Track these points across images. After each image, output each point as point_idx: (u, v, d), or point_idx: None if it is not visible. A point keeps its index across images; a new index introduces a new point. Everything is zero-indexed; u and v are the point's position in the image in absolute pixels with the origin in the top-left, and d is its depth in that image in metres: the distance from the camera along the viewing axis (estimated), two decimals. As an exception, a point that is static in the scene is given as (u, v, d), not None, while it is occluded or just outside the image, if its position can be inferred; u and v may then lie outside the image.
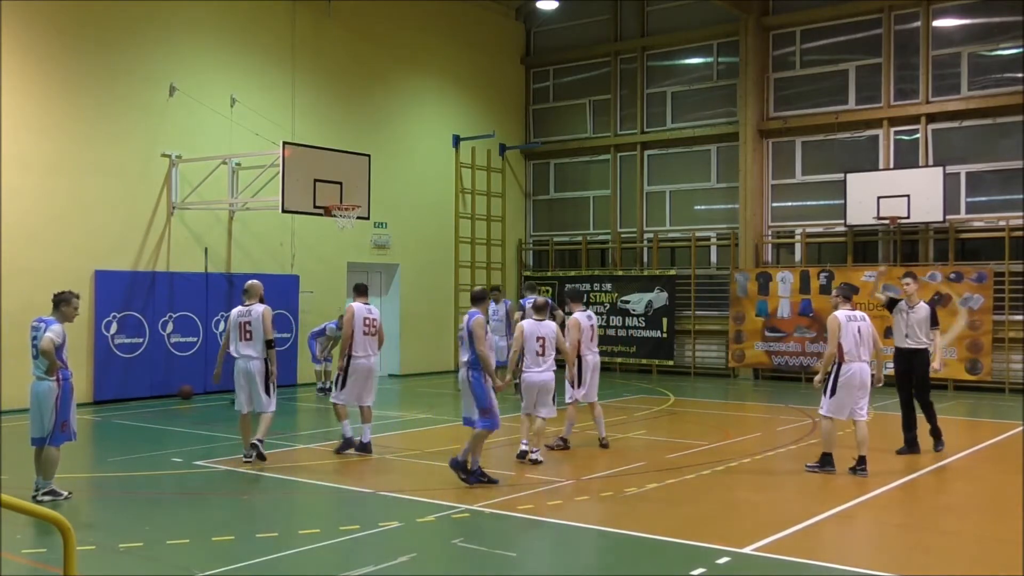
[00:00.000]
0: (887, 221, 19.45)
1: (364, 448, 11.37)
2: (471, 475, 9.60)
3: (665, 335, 22.47)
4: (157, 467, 10.75)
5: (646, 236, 23.61)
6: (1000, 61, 19.52)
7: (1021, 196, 18.94)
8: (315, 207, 16.12)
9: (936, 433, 11.61)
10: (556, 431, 11.98)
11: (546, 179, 25.43)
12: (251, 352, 10.79)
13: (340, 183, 16.43)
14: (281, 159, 15.73)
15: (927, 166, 19.66)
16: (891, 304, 11.84)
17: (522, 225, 25.47)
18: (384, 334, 11.82)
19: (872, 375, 10.42)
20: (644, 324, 22.73)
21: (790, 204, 21.88)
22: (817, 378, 10.60)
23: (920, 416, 11.69)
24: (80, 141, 16.17)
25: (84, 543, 6.86)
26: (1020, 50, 19.08)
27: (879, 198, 19.41)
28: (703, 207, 23.06)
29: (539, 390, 10.80)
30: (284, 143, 16.06)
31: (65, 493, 8.96)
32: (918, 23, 20.20)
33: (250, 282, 11.27)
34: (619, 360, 22.62)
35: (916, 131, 20.19)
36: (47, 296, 9.43)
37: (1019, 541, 7.61)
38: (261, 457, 10.71)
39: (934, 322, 11.58)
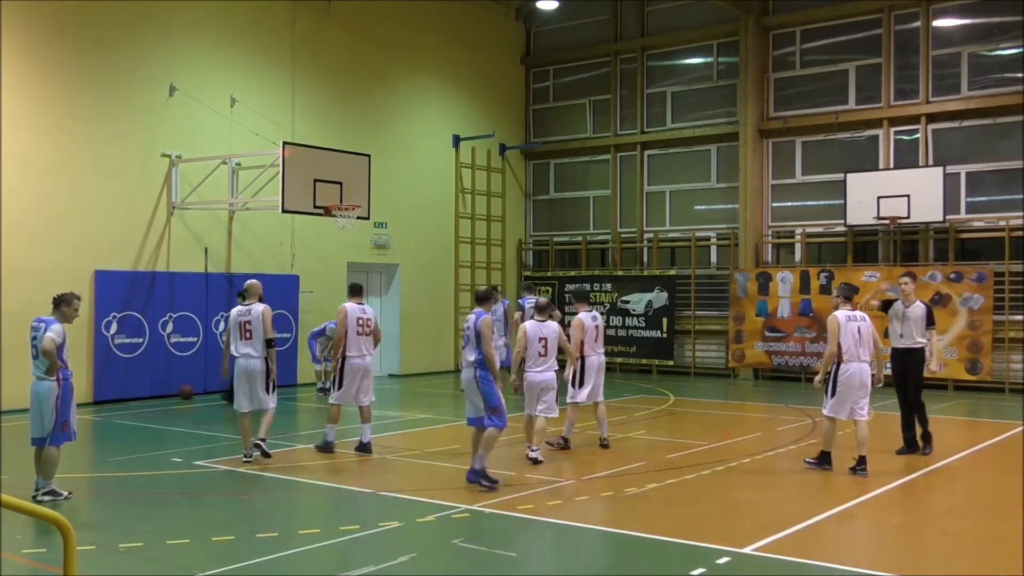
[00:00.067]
0: (887, 221, 19.45)
1: (364, 448, 11.38)
2: (473, 473, 9.60)
3: (665, 335, 22.47)
4: (157, 467, 10.75)
5: (646, 236, 23.61)
6: (1000, 61, 19.52)
7: (1021, 196, 18.94)
8: (315, 207, 16.12)
9: (926, 437, 11.54)
10: (556, 431, 11.98)
11: (546, 179, 25.43)
12: (251, 351, 10.81)
13: (340, 183, 16.43)
14: (281, 159, 15.73)
15: (927, 166, 19.66)
16: (886, 306, 11.85)
17: (522, 225, 25.47)
18: (380, 333, 11.81)
19: (872, 375, 10.43)
20: (644, 324, 22.73)
21: (790, 204, 21.88)
22: (817, 378, 10.62)
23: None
24: (80, 141, 16.17)
25: (84, 543, 6.86)
26: (1020, 50, 19.08)
27: (879, 198, 19.41)
28: (703, 207, 23.06)
29: (540, 390, 10.85)
30: (284, 143, 16.06)
31: (65, 493, 8.96)
32: (918, 23, 20.20)
33: (249, 282, 11.29)
34: (619, 360, 22.60)
35: (916, 131, 20.19)
36: (47, 296, 9.43)
37: (1019, 541, 7.61)
38: (266, 455, 10.76)
39: (930, 322, 11.56)
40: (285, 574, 6.96)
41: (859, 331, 10.32)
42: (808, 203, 21.63)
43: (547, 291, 23.83)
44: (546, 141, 25.00)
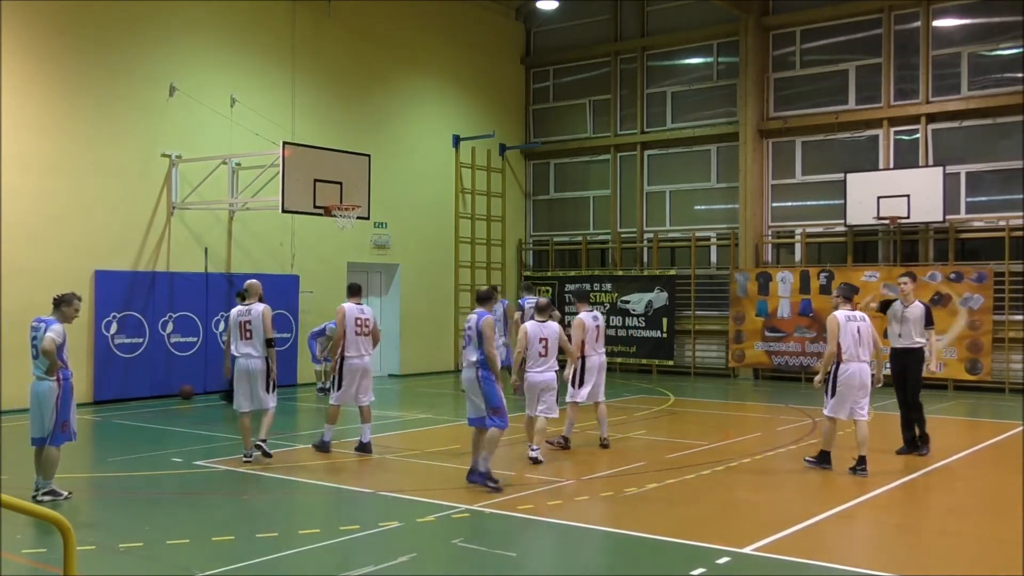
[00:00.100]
0: (887, 221, 19.45)
1: (364, 448, 11.38)
2: (473, 473, 9.61)
3: (665, 335, 22.47)
4: (157, 467, 10.75)
5: (646, 236, 23.61)
6: (1000, 61, 19.52)
7: (1021, 196, 18.94)
8: (315, 207, 16.12)
9: (923, 438, 11.52)
10: (556, 431, 11.98)
11: (546, 179, 25.44)
12: (252, 351, 10.82)
13: (340, 183, 16.43)
14: (281, 159, 15.73)
15: (927, 166, 19.66)
16: (884, 306, 11.86)
17: (522, 225, 25.47)
18: (379, 333, 11.81)
19: (872, 375, 10.43)
20: (644, 324, 22.74)
21: (790, 204, 21.88)
22: (817, 378, 10.63)
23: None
24: (80, 141, 16.17)
25: (84, 543, 6.86)
26: (1020, 50, 19.08)
27: (879, 198, 19.41)
28: (703, 207, 23.06)
29: (541, 390, 10.90)
30: (284, 143, 16.06)
31: (65, 493, 8.96)
32: (918, 23, 20.20)
33: (249, 282, 11.30)
34: (619, 360, 22.59)
35: (916, 131, 20.19)
36: (47, 296, 9.43)
37: (1019, 541, 7.61)
38: (267, 455, 10.79)
39: (929, 322, 11.56)
40: (285, 574, 6.95)
41: (859, 331, 10.32)
42: (808, 203, 21.63)
43: (547, 291, 23.83)
44: (546, 141, 25.00)
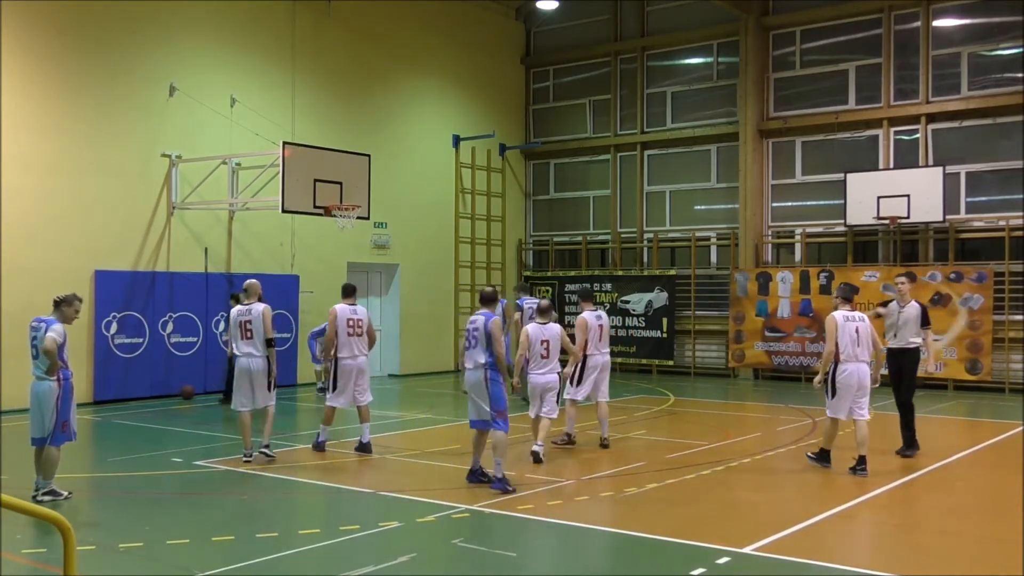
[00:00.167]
0: (887, 221, 19.45)
1: (364, 448, 11.39)
2: (473, 474, 9.60)
3: (665, 335, 22.47)
4: (157, 467, 10.75)
5: (646, 236, 23.61)
6: (1000, 61, 19.52)
7: (1021, 196, 18.94)
8: (315, 207, 16.12)
9: (910, 440, 11.44)
10: (558, 430, 12.01)
11: (546, 179, 25.44)
12: (252, 350, 10.84)
13: (340, 183, 16.43)
14: (281, 159, 15.73)
15: (927, 166, 19.66)
16: (882, 307, 11.87)
17: (522, 225, 25.47)
18: (375, 333, 11.81)
19: (870, 375, 10.44)
20: (644, 324, 22.74)
21: (790, 204, 21.88)
22: (817, 379, 10.65)
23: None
24: (80, 141, 16.17)
25: (84, 543, 6.86)
26: (1020, 50, 19.09)
27: (879, 198, 19.42)
28: (703, 207, 23.06)
29: (543, 391, 11.01)
30: (284, 143, 16.06)
31: (65, 493, 8.96)
32: (918, 23, 20.20)
33: (249, 281, 11.30)
34: (619, 360, 22.57)
35: (916, 131, 20.19)
36: (47, 296, 9.43)
37: (1019, 541, 7.61)
38: (270, 458, 10.85)
39: (925, 322, 11.58)
40: (285, 574, 6.96)
41: (857, 331, 10.33)
42: (808, 203, 21.63)
43: (547, 291, 23.84)
44: (546, 141, 25.00)
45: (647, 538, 7.73)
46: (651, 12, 23.86)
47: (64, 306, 9.07)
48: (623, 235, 23.88)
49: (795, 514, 8.59)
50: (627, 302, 22.92)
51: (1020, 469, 10.72)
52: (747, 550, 7.27)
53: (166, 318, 17.17)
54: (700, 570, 6.82)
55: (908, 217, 19.22)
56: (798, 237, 21.44)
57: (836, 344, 10.29)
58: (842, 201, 20.15)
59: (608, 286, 23.18)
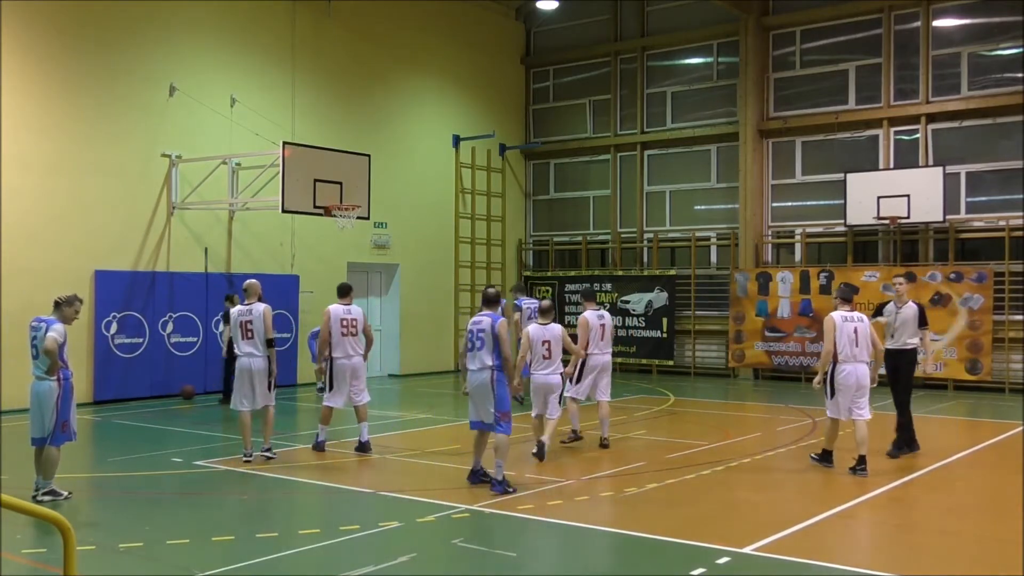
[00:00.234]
0: (887, 221, 19.45)
1: (363, 447, 11.39)
2: (474, 474, 9.59)
3: (665, 335, 22.47)
4: (157, 467, 10.75)
5: (646, 236, 23.61)
6: (1000, 61, 19.52)
7: (1021, 196, 18.94)
8: (315, 207, 16.12)
9: (898, 442, 11.40)
10: (564, 429, 12.07)
11: (546, 179, 25.44)
12: (253, 350, 10.84)
13: (340, 183, 16.43)
14: (281, 159, 15.73)
15: (927, 166, 19.66)
16: (878, 310, 11.87)
17: (522, 225, 25.47)
18: (371, 332, 11.81)
19: (869, 375, 10.44)
20: (644, 324, 22.73)
21: (790, 204, 21.88)
22: (816, 379, 10.65)
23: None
24: (80, 141, 16.17)
25: (84, 543, 6.86)
26: (1020, 50, 19.09)
27: (879, 198, 19.41)
28: (703, 207, 23.06)
29: (546, 391, 11.10)
30: (284, 143, 16.07)
31: (65, 493, 8.96)
32: (918, 23, 20.20)
33: (249, 281, 11.31)
34: (619, 360, 22.53)
35: (916, 131, 20.19)
36: (47, 296, 9.44)
37: (1019, 541, 7.61)
38: (272, 458, 10.92)
39: (922, 322, 11.57)
40: (285, 574, 6.95)
41: (856, 332, 10.33)
42: (808, 203, 21.63)
43: (547, 291, 23.84)
44: (546, 141, 25.00)
45: (647, 538, 7.73)
46: (651, 12, 23.86)
47: (65, 306, 9.07)
48: (623, 235, 23.88)
49: (795, 514, 8.58)
50: (627, 302, 22.92)
51: (1020, 469, 10.72)
52: (747, 550, 7.27)
53: (166, 318, 17.17)
54: (700, 570, 6.82)
55: (908, 217, 19.22)
56: (798, 237, 21.44)
57: (834, 344, 10.30)
58: (842, 201, 20.15)
59: (608, 286, 23.18)
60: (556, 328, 11.18)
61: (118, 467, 10.93)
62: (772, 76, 21.88)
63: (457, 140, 23.21)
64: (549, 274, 24.45)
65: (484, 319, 9.42)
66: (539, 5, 24.05)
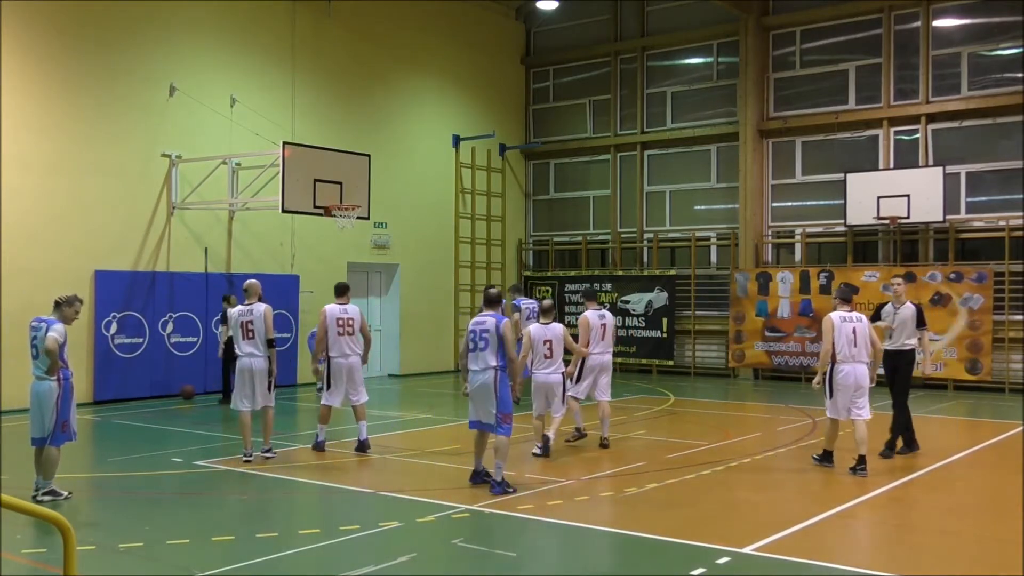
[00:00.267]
0: (887, 221, 19.45)
1: (362, 445, 11.39)
2: (477, 475, 9.58)
3: (665, 335, 22.47)
4: (157, 467, 10.75)
5: (646, 236, 23.61)
6: (1000, 61, 19.52)
7: (1021, 196, 18.94)
8: (315, 207, 16.12)
9: (891, 444, 11.38)
10: (567, 428, 12.08)
11: (546, 179, 25.44)
12: (254, 350, 10.84)
13: (340, 183, 16.43)
14: (281, 159, 15.73)
15: (927, 166, 19.66)
16: (876, 312, 11.88)
17: (522, 225, 25.47)
18: (368, 331, 11.81)
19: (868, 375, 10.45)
20: (644, 324, 22.73)
21: (790, 204, 21.88)
22: (815, 380, 10.67)
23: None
24: (80, 141, 16.17)
25: (84, 543, 6.86)
26: (1020, 50, 19.08)
27: (879, 198, 19.42)
28: (703, 207, 23.06)
29: (547, 391, 11.16)
30: (284, 143, 16.07)
31: (65, 493, 8.96)
32: (918, 23, 20.20)
33: (249, 281, 11.31)
34: (619, 360, 22.51)
35: (916, 131, 20.19)
36: (47, 296, 9.44)
37: (1019, 541, 7.61)
38: (272, 457, 10.96)
39: (920, 323, 11.57)
40: (285, 574, 6.95)
41: (854, 332, 10.33)
42: (808, 203, 21.63)
43: (547, 291, 23.84)
44: (546, 141, 25.00)
45: (647, 538, 7.73)
46: (651, 12, 23.86)
47: (65, 306, 9.07)
48: (623, 235, 23.88)
49: (795, 514, 8.58)
50: (627, 302, 22.92)
51: (1020, 469, 10.72)
52: (747, 550, 7.27)
53: (166, 318, 17.17)
54: (700, 570, 6.82)
55: (908, 217, 19.22)
56: (798, 237, 21.44)
57: (833, 345, 10.30)
58: (842, 201, 20.15)
59: (608, 286, 23.18)
60: (558, 327, 11.21)
61: (118, 467, 10.93)
62: (772, 76, 21.88)
63: (457, 140, 23.21)
64: (549, 274, 24.45)
65: (488, 319, 9.35)
66: (539, 5, 24.05)
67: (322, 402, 11.59)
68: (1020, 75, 19.08)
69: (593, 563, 7.46)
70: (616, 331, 13.13)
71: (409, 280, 22.10)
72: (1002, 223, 19.07)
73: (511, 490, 9.20)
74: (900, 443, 11.53)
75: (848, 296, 10.80)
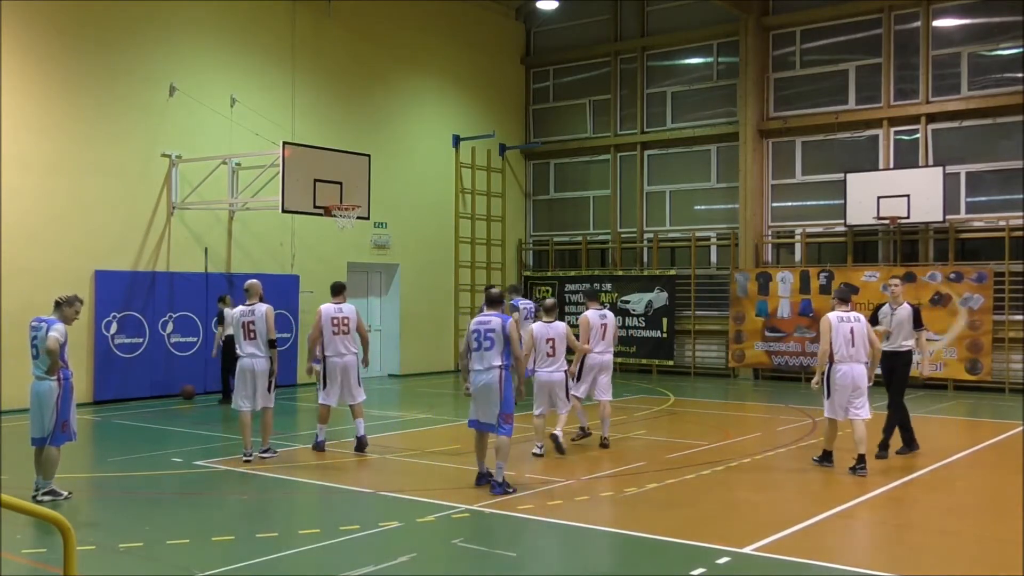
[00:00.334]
0: (887, 221, 19.45)
1: (359, 441, 11.40)
2: (482, 478, 9.56)
3: (665, 335, 22.47)
4: (157, 467, 10.75)
5: (646, 236, 23.61)
6: (1000, 61, 19.52)
7: (1021, 196, 18.94)
8: (315, 207, 16.12)
9: (884, 444, 11.35)
10: (571, 428, 12.09)
11: (546, 179, 25.44)
12: (255, 350, 10.85)
13: (340, 183, 16.43)
14: (281, 159, 15.73)
15: (927, 166, 19.66)
16: (874, 314, 11.89)
17: (522, 225, 25.47)
18: (364, 330, 11.81)
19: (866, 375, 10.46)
20: (644, 324, 22.73)
21: (790, 204, 21.88)
22: (813, 380, 10.67)
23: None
24: (80, 141, 16.17)
25: (84, 543, 6.86)
26: (1020, 50, 19.08)
27: (879, 198, 19.42)
28: (703, 207, 23.06)
29: (551, 389, 11.21)
30: (284, 143, 16.07)
31: (65, 493, 8.96)
32: (918, 23, 20.20)
33: (250, 282, 11.30)
34: (619, 360, 22.45)
35: (916, 131, 20.19)
36: (47, 296, 9.44)
37: (1019, 541, 7.61)
38: (272, 456, 10.98)
39: (917, 324, 11.57)
40: (285, 574, 6.96)
41: (852, 332, 10.33)
42: (808, 203, 21.63)
43: (547, 291, 23.84)
44: (546, 141, 25.00)
45: (647, 538, 7.73)
46: (651, 12, 23.86)
47: (65, 306, 9.07)
48: (623, 235, 23.88)
49: (795, 514, 8.59)
50: (627, 302, 22.92)
51: (1020, 469, 10.72)
52: (747, 550, 7.27)
53: (166, 318, 17.17)
54: (700, 570, 6.82)
55: (908, 217, 19.22)
56: (798, 237, 21.44)
57: (830, 345, 10.30)
58: (842, 201, 20.15)
59: (608, 286, 23.17)
60: (560, 326, 11.24)
61: (118, 467, 10.93)
62: (772, 76, 21.88)
63: (457, 140, 23.21)
64: (549, 274, 24.45)
65: (493, 319, 9.30)
66: (539, 5, 24.05)
67: (319, 402, 11.60)
68: (1020, 75, 19.08)
69: (593, 563, 7.46)
70: (617, 331, 13.12)
71: (409, 280, 22.10)
72: (1002, 223, 19.07)
73: (511, 490, 9.20)
74: (899, 443, 11.53)
75: (846, 296, 10.80)
